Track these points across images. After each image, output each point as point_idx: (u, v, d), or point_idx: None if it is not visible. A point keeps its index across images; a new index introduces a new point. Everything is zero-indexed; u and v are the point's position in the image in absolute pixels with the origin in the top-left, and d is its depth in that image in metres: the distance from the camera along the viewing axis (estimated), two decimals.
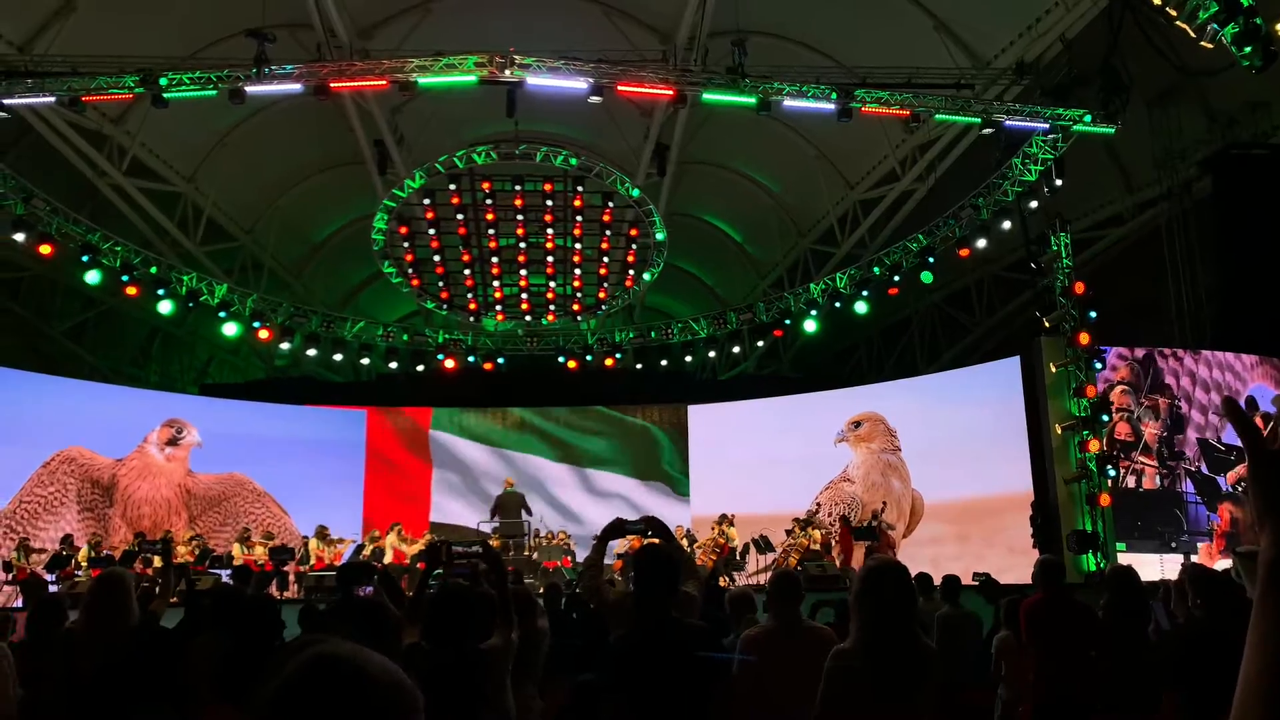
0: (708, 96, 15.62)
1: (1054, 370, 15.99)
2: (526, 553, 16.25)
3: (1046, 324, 16.41)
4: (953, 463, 17.48)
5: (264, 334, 19.58)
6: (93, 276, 17.41)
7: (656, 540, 4.95)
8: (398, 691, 1.14)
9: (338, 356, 21.28)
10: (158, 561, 13.45)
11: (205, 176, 20.27)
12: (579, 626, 5.59)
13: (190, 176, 20.20)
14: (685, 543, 15.23)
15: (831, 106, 15.31)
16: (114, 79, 14.60)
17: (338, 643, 1.20)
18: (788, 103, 15.45)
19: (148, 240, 19.79)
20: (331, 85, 14.94)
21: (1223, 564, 13.70)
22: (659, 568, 3.73)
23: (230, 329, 19.33)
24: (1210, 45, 12.72)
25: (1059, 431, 15.74)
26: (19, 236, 16.13)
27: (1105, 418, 15.32)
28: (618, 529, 5.01)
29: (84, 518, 17.68)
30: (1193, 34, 12.78)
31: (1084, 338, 15.64)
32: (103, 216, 18.59)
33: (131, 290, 17.88)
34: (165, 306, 18.36)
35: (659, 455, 20.89)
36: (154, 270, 18.22)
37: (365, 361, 21.63)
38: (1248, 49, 12.15)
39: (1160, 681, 4.43)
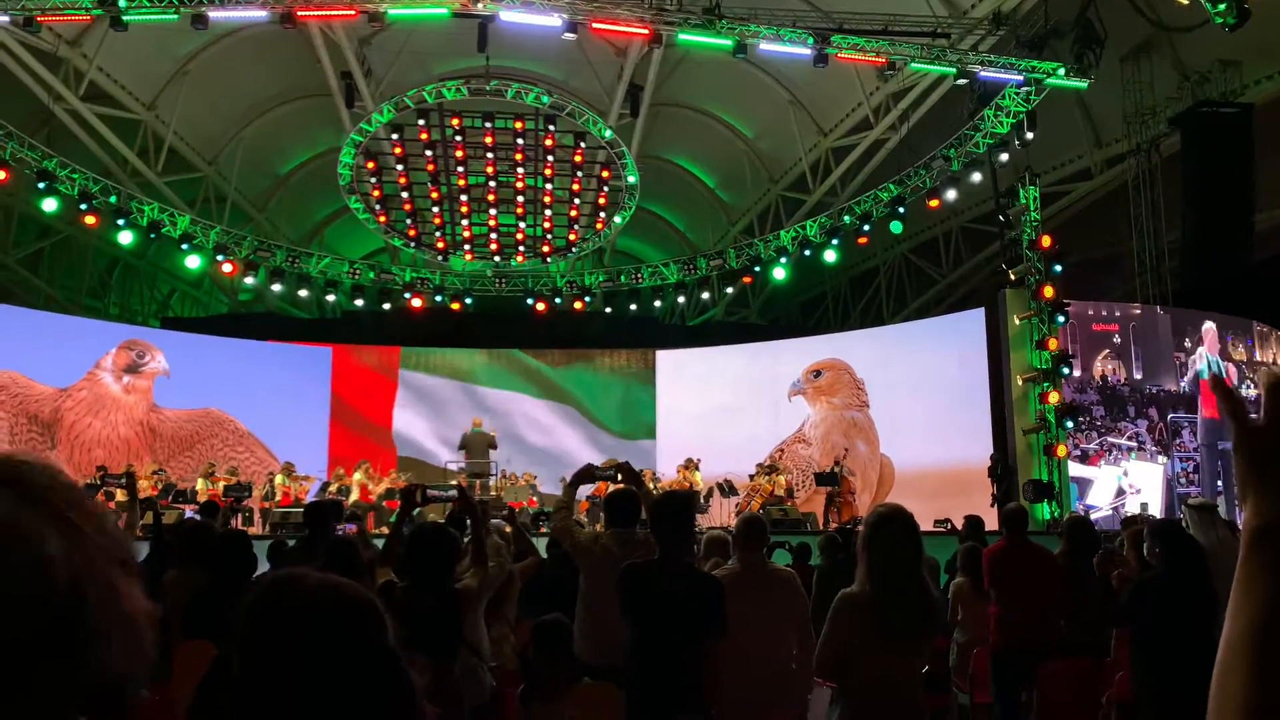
0: (683, 37, 15.41)
1: (1017, 323, 16.19)
2: (493, 493, 16.32)
3: (1012, 276, 16.57)
4: (919, 420, 17.08)
5: (228, 268, 19.24)
6: (50, 204, 16.98)
7: (625, 486, 5.02)
8: (366, 609, 1.16)
9: (303, 293, 20.99)
10: (120, 495, 13.31)
11: (166, 104, 19.69)
12: (551, 566, 5.68)
13: (150, 104, 19.62)
14: (650, 486, 15.37)
15: (808, 52, 15.19)
16: None
17: (306, 569, 1.22)
18: (764, 46, 15.31)
19: (106, 168, 19.26)
20: (298, 13, 14.55)
21: None
22: (680, 512, 3.85)
23: (193, 262, 18.96)
24: (1185, 1, 12.76)
25: (1020, 383, 16.00)
26: None
27: (1065, 370, 15.57)
28: (588, 474, 5.06)
29: None
30: None
31: (1048, 291, 15.83)
32: (59, 143, 18.01)
33: (90, 219, 17.46)
34: (126, 237, 17.99)
35: (626, 398, 20.97)
36: (114, 199, 17.79)
37: (331, 298, 21.36)
38: (1221, 6, 12.20)
39: (1111, 626, 4.60)
